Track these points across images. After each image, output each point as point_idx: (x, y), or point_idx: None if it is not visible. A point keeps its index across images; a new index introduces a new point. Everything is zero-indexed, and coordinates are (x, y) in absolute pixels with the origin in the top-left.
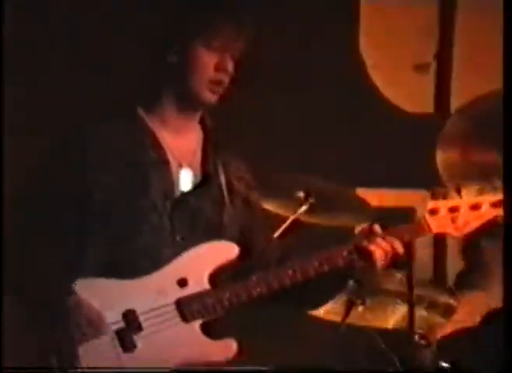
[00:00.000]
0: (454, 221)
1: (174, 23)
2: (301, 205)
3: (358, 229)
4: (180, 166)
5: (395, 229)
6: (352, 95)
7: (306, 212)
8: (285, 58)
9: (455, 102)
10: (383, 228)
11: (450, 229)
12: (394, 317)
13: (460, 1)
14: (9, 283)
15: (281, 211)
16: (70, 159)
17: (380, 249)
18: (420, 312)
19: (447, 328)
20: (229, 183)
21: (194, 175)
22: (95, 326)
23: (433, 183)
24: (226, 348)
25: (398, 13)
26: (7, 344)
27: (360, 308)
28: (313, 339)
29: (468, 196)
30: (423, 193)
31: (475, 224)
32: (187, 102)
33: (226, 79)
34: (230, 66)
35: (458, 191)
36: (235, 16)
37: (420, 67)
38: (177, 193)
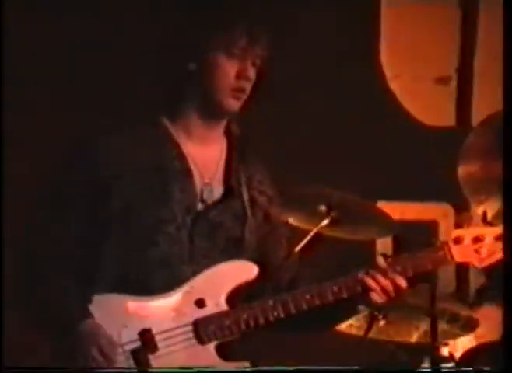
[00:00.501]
0: (477, 251)
1: (195, 32)
2: (323, 219)
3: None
4: (203, 179)
5: (417, 256)
6: (374, 109)
7: (328, 226)
8: (306, 70)
9: (477, 116)
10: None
11: (473, 259)
12: (416, 331)
13: (481, 14)
14: (20, 297)
15: (303, 225)
16: (87, 167)
17: (379, 287)
18: (442, 326)
19: (469, 342)
20: (251, 197)
21: (217, 188)
22: (107, 355)
23: (454, 197)
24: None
25: (419, 26)
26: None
27: (382, 323)
28: (335, 355)
29: (493, 225)
30: (445, 207)
31: (498, 255)
32: (211, 111)
33: (247, 86)
34: (252, 73)
35: (484, 216)
36: (252, 23)
37: (441, 80)
38: (199, 207)
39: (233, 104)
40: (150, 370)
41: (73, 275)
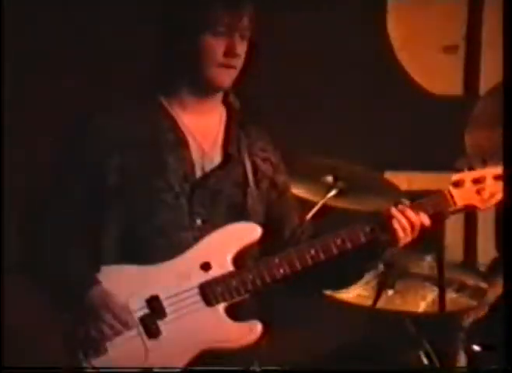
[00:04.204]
0: (479, 192)
1: (181, 13)
2: (330, 190)
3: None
4: (202, 148)
5: (419, 203)
6: (379, 78)
7: (335, 197)
8: (311, 38)
9: (484, 85)
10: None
11: (475, 201)
12: (424, 301)
13: None
14: (30, 271)
15: (309, 196)
16: (82, 144)
17: (403, 222)
18: (450, 295)
19: (479, 311)
20: (253, 164)
21: (217, 157)
22: (122, 321)
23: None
24: (251, 330)
25: None
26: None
27: (390, 293)
28: (342, 323)
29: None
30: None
31: (499, 195)
32: (202, 87)
33: (236, 63)
34: (240, 48)
35: (484, 163)
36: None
37: (449, 49)
38: (197, 175)
39: (223, 80)
40: (150, 370)
41: (78, 246)
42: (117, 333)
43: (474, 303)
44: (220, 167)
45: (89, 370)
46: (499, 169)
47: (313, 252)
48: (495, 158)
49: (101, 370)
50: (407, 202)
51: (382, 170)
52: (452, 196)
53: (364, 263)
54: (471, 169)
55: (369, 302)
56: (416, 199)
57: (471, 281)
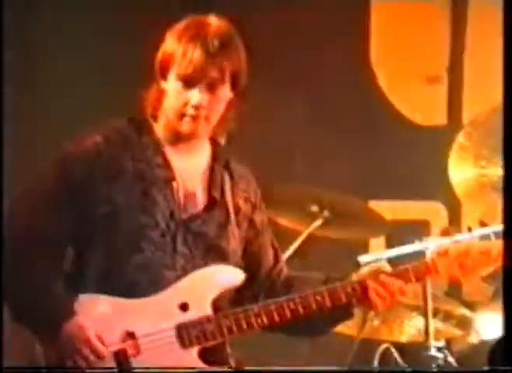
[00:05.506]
0: (462, 265)
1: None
2: (315, 219)
3: (366, 270)
4: (186, 187)
5: (403, 270)
6: (364, 108)
7: (321, 226)
8: (295, 69)
9: (468, 114)
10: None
11: (458, 274)
12: (409, 330)
13: (470, 13)
14: (8, 295)
15: (294, 226)
16: (74, 171)
17: (381, 291)
18: (436, 324)
19: (465, 340)
20: (235, 205)
21: (200, 197)
22: (97, 353)
23: (446, 195)
24: None
25: (408, 26)
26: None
27: (376, 322)
28: (327, 354)
29: (479, 239)
30: (437, 206)
31: (483, 270)
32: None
33: (198, 112)
34: (203, 99)
35: (469, 230)
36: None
37: (433, 79)
38: (183, 216)
39: (188, 128)
40: (150, 370)
41: (59, 276)
42: (91, 365)
43: (460, 332)
44: (205, 210)
45: None
46: (485, 244)
47: (292, 305)
48: (481, 190)
49: None
50: (388, 268)
51: (367, 199)
52: (435, 266)
53: (337, 321)
54: (456, 241)
55: (354, 332)
56: (401, 229)
57: (456, 311)
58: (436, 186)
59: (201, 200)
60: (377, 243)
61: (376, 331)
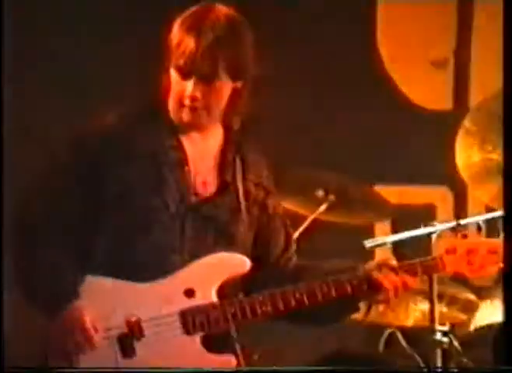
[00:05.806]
0: (470, 262)
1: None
2: (321, 203)
3: (372, 263)
4: (197, 171)
5: (410, 264)
6: (370, 92)
7: (326, 210)
8: (301, 56)
9: (473, 98)
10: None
11: (465, 271)
12: (415, 314)
13: None
14: (17, 279)
15: (300, 210)
16: (88, 148)
17: (392, 284)
18: (441, 309)
19: (470, 325)
20: (246, 190)
21: (212, 182)
22: (88, 338)
23: (452, 180)
24: (225, 363)
25: (415, 9)
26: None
27: (381, 307)
28: (333, 338)
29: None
30: (443, 190)
31: (491, 268)
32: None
33: (195, 104)
34: (197, 92)
35: (479, 229)
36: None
37: (438, 63)
38: (194, 199)
39: (189, 118)
40: (150, 370)
41: (69, 254)
42: (81, 350)
43: (464, 317)
44: (216, 194)
45: None
46: (493, 242)
47: (297, 295)
48: (487, 174)
49: None
50: (395, 262)
51: (372, 183)
52: (443, 262)
53: (343, 314)
54: (464, 236)
55: (359, 316)
56: (406, 213)
57: (462, 295)
58: (442, 170)
59: (212, 183)
60: (383, 228)
61: (381, 315)
